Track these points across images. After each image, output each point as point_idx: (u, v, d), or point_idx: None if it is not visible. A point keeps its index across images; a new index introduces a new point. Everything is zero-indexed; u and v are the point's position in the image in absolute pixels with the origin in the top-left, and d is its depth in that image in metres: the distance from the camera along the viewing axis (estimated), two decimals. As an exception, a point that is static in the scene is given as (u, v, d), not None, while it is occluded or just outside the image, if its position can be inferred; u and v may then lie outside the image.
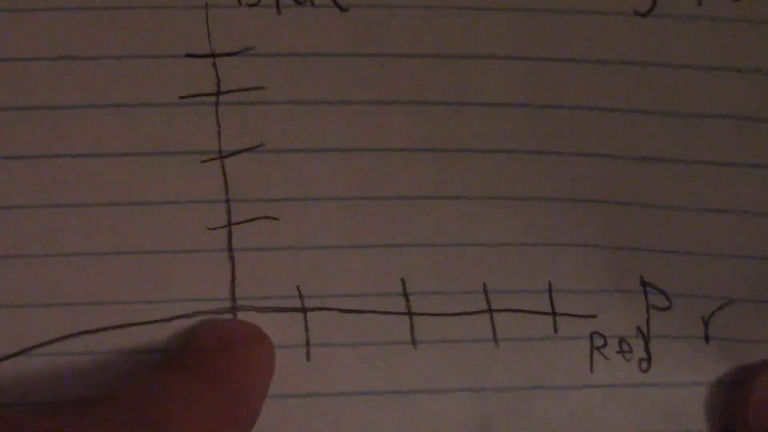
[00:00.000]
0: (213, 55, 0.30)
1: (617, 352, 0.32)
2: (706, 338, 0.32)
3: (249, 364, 0.30)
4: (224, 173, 0.30)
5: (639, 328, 0.32)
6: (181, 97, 0.30)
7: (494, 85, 0.30)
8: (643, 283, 0.31)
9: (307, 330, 0.31)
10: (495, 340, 0.31)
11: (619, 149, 0.31)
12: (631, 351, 0.32)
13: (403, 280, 0.31)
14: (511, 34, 0.30)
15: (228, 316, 0.31)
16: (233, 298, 0.31)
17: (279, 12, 0.30)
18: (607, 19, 0.30)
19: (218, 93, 0.30)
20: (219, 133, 0.30)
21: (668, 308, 0.31)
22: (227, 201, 0.31)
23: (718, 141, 0.31)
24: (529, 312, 0.31)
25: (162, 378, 0.29)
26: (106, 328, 0.30)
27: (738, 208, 0.31)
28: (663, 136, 0.31)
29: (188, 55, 0.30)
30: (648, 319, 0.32)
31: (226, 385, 0.29)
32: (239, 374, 0.29)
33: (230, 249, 0.31)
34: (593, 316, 0.31)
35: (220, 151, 0.30)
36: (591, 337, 0.31)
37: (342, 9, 0.30)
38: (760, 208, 0.31)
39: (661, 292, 0.31)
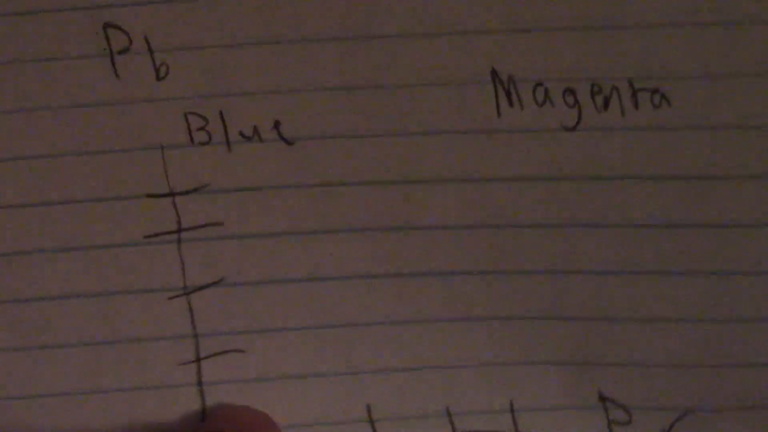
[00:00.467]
0: (172, 194, 0.31)
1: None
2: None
3: None
4: (190, 309, 0.31)
5: None
6: (144, 237, 0.31)
7: (439, 208, 0.30)
8: (602, 398, 0.31)
9: (276, 460, 0.31)
10: (461, 463, 0.31)
11: (566, 264, 0.30)
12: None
13: (368, 407, 0.31)
14: (452, 157, 0.30)
15: (200, 450, 0.31)
16: (204, 432, 0.31)
17: (229, 149, 0.30)
18: (539, 135, 0.29)
19: (179, 230, 0.31)
20: (183, 269, 0.31)
21: (629, 422, 0.31)
22: (195, 336, 0.31)
23: (657, 249, 0.30)
24: None
25: None
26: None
27: (690, 317, 0.30)
28: (606, 248, 0.30)
29: (149, 195, 0.31)
30: None
31: None
32: None
33: (200, 384, 0.31)
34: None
35: (185, 287, 0.31)
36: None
37: (288, 143, 0.30)
38: (711, 316, 0.30)
39: (620, 406, 0.31)
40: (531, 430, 0.31)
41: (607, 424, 0.31)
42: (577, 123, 0.29)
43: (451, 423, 0.31)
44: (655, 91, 0.29)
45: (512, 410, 0.31)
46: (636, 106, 0.29)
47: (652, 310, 0.30)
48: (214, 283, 0.31)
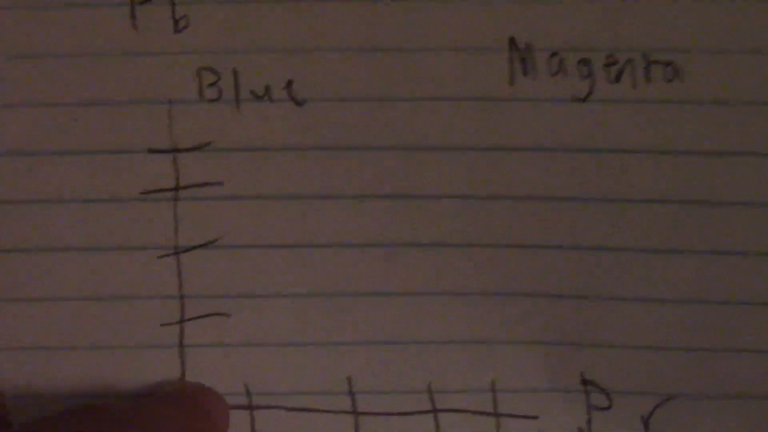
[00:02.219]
0: (174, 151, 0.30)
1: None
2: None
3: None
4: (179, 270, 0.30)
5: (580, 429, 0.30)
6: (141, 193, 0.30)
7: (442, 176, 0.30)
8: (584, 381, 0.30)
9: (253, 428, 0.30)
10: (439, 440, 0.30)
11: (560, 239, 0.30)
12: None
13: (349, 379, 0.30)
14: (460, 124, 0.30)
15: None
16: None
17: (238, 107, 0.30)
18: (549, 105, 0.29)
19: (177, 188, 0.30)
20: (176, 228, 0.30)
21: (609, 408, 0.30)
22: (181, 297, 0.30)
23: (652, 226, 0.30)
24: (472, 412, 0.30)
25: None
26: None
27: (677, 298, 0.30)
28: (599, 224, 0.30)
29: (150, 151, 0.30)
30: (589, 420, 0.30)
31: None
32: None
33: (181, 345, 0.30)
34: (535, 417, 0.30)
35: (176, 247, 0.30)
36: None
37: (298, 103, 0.30)
38: (698, 297, 0.30)
39: (602, 390, 0.30)
40: (511, 412, 0.30)
41: (587, 410, 0.30)
42: (589, 94, 0.29)
43: (432, 400, 0.30)
44: (668, 64, 0.29)
45: (494, 390, 0.30)
46: (648, 79, 0.29)
47: (642, 290, 0.30)
48: (206, 244, 0.30)
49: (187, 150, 0.30)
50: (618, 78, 0.29)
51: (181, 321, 0.30)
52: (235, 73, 0.30)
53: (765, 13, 0.28)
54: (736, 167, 0.29)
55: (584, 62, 0.29)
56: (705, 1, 0.29)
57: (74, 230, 0.30)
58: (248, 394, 0.31)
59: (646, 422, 0.30)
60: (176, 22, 0.30)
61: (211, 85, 0.30)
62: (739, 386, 0.30)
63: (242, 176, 0.30)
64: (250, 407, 0.31)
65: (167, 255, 0.30)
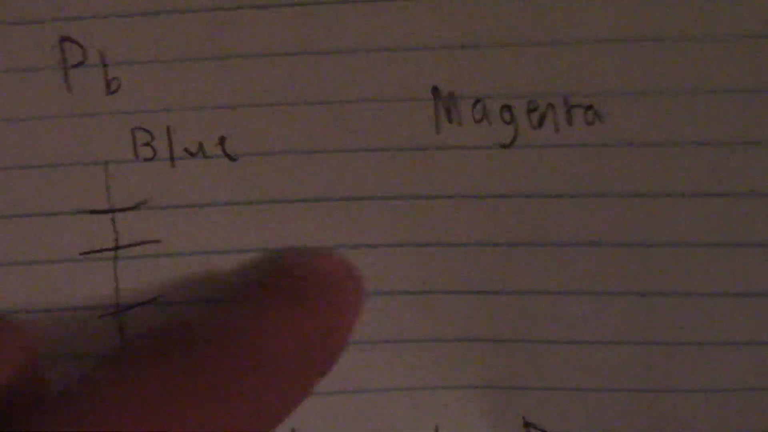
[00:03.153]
0: (112, 211, 0.31)
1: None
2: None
3: (342, 299, 0.28)
4: (120, 328, 0.30)
5: None
6: (80, 254, 0.31)
7: (375, 225, 0.30)
8: (526, 424, 0.30)
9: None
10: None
11: (498, 284, 0.30)
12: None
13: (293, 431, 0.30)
14: (392, 174, 0.30)
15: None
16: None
17: (173, 165, 0.31)
18: (476, 152, 0.30)
19: (116, 248, 0.31)
20: (117, 287, 0.31)
21: None
22: (123, 358, 0.30)
23: (585, 269, 0.30)
24: None
25: (247, 308, 0.27)
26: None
27: (609, 339, 0.30)
28: (538, 268, 0.30)
29: (88, 212, 0.31)
30: None
31: (320, 319, 0.27)
32: (334, 308, 0.27)
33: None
34: None
35: (117, 305, 0.30)
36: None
37: (232, 159, 0.30)
38: (632, 338, 0.30)
39: None
40: None
41: None
42: (513, 140, 0.30)
43: None
44: (588, 107, 0.29)
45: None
46: (570, 122, 0.30)
47: (581, 333, 0.30)
48: (147, 302, 0.30)
49: (125, 210, 0.30)
50: (541, 123, 0.29)
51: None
52: (168, 131, 0.30)
53: (677, 53, 0.29)
54: (659, 207, 0.30)
55: (507, 108, 0.29)
56: (619, 44, 0.29)
57: (15, 293, 0.30)
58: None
59: None
60: (108, 83, 0.30)
61: (146, 144, 0.30)
62: (682, 426, 0.30)
63: (179, 233, 0.30)
64: None
65: (108, 314, 0.30)
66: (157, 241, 0.30)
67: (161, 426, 0.24)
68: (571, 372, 0.30)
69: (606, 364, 0.30)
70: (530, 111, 0.29)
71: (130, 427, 0.23)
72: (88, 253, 0.30)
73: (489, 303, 0.30)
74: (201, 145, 0.30)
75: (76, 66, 0.30)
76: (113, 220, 0.30)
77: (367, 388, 0.31)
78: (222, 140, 0.30)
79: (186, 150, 0.30)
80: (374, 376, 0.31)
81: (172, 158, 0.30)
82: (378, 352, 0.31)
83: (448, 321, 0.30)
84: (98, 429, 0.23)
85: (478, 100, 0.29)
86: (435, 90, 0.29)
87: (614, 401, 0.30)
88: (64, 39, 0.30)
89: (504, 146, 0.30)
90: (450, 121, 0.30)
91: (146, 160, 0.30)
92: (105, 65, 0.30)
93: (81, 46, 0.30)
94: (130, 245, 0.30)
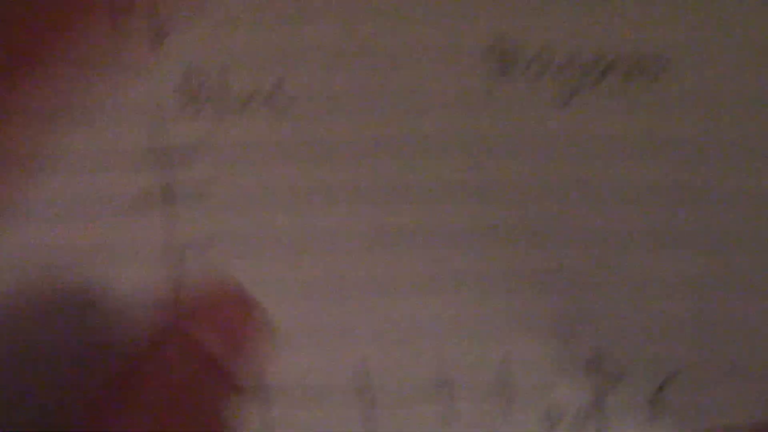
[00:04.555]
0: (165, 153, 0.30)
1: (572, 427, 0.31)
2: (658, 409, 0.31)
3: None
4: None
5: (593, 402, 0.31)
6: (134, 196, 0.31)
7: (432, 174, 0.30)
8: (595, 354, 0.31)
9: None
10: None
11: (565, 228, 0.30)
12: (584, 426, 0.31)
13: (360, 367, 0.31)
14: (445, 127, 0.30)
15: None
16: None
17: (225, 113, 0.30)
18: (530, 109, 0.30)
19: (170, 192, 0.31)
20: (169, 232, 0.31)
21: (620, 380, 0.31)
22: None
23: (651, 218, 0.30)
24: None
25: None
26: None
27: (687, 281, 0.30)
28: (602, 215, 0.30)
29: (142, 154, 0.30)
30: (600, 393, 0.31)
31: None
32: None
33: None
34: (548, 390, 0.31)
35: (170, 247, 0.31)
36: (546, 412, 0.31)
37: (284, 106, 0.30)
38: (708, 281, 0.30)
39: (613, 362, 0.31)
40: (524, 385, 0.31)
41: (598, 382, 0.31)
42: (571, 97, 0.29)
43: (443, 380, 0.31)
44: (650, 64, 0.29)
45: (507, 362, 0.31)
46: (630, 79, 0.29)
47: (649, 274, 0.30)
48: (200, 245, 0.31)
49: (177, 154, 0.30)
50: (600, 80, 0.29)
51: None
52: (219, 77, 0.30)
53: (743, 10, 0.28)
54: (722, 162, 0.29)
55: (567, 64, 0.29)
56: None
57: (73, 243, 0.30)
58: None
59: (658, 394, 0.31)
60: (158, 29, 0.30)
61: (195, 94, 0.30)
62: (748, 362, 0.30)
63: (230, 181, 0.30)
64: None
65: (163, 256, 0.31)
66: (211, 187, 0.30)
67: None
68: (641, 306, 0.30)
69: (676, 301, 0.30)
70: (590, 67, 0.29)
71: None
72: (141, 195, 0.30)
73: (556, 245, 0.30)
74: (253, 92, 0.30)
75: (124, 13, 0.29)
76: (167, 163, 0.30)
77: (434, 326, 0.31)
78: (275, 87, 0.30)
79: (239, 96, 0.30)
80: (440, 310, 0.31)
81: (224, 105, 0.30)
82: (443, 286, 0.31)
83: (514, 256, 0.30)
84: None
85: (536, 56, 0.29)
86: (493, 44, 0.29)
87: (686, 335, 0.31)
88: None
89: (560, 103, 0.29)
90: (505, 74, 0.29)
91: (196, 106, 0.30)
92: (153, 13, 0.29)
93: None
94: (182, 191, 0.30)
